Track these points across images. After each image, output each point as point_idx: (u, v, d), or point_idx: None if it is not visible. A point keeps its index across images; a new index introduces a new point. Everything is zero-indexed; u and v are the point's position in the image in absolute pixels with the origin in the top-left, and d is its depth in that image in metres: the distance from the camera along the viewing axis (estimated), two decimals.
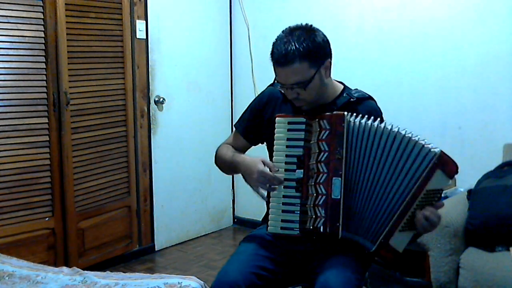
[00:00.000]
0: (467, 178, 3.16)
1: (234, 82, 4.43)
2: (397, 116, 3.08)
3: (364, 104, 1.93)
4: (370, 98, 1.97)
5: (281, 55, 1.76)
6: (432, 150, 1.71)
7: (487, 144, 3.22)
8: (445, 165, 1.72)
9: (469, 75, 3.28)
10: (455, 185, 3.29)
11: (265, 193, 1.84)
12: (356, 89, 1.98)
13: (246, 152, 2.10)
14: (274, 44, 1.81)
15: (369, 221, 1.76)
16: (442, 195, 3.11)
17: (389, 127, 1.75)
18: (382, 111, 1.99)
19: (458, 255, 2.55)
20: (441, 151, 1.72)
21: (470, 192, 2.78)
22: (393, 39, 3.57)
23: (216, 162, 2.10)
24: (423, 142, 1.73)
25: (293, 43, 1.75)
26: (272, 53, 1.80)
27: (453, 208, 2.70)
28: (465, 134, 3.32)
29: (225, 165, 2.04)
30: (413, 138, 1.73)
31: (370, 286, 2.08)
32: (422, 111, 3.47)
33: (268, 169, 1.79)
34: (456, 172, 1.74)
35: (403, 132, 1.73)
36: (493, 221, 2.53)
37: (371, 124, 1.75)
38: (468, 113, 3.30)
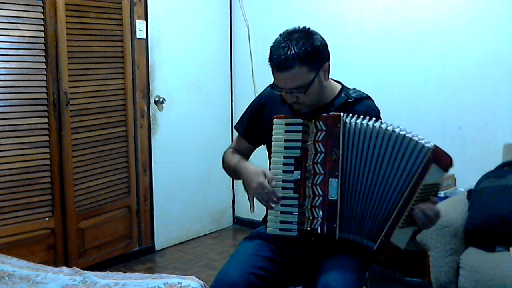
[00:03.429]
0: (467, 178, 3.17)
1: (234, 82, 4.43)
2: (397, 116, 3.07)
3: (362, 104, 1.92)
4: (368, 97, 1.96)
5: (280, 60, 1.75)
6: (425, 145, 1.72)
7: (487, 144, 3.22)
8: (439, 159, 1.73)
9: (469, 75, 3.28)
10: (455, 185, 3.29)
11: (253, 208, 1.84)
12: (354, 88, 1.97)
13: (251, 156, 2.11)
14: (272, 48, 1.80)
15: (370, 221, 1.76)
16: (442, 195, 3.13)
17: (385, 126, 1.75)
18: (380, 110, 1.98)
19: (458, 255, 2.55)
20: (435, 145, 1.73)
21: (470, 192, 2.78)
22: (393, 39, 3.57)
23: (223, 167, 2.11)
24: (416, 139, 1.73)
25: (292, 48, 1.74)
26: (271, 58, 1.79)
27: (453, 208, 2.70)
28: (465, 134, 3.32)
29: (230, 171, 2.05)
30: (407, 135, 1.74)
31: (370, 286, 2.08)
32: (422, 111, 3.46)
33: (267, 183, 1.78)
34: (451, 165, 1.75)
35: (397, 130, 1.74)
36: (493, 221, 2.53)
37: (367, 124, 1.75)
38: (468, 113, 3.30)
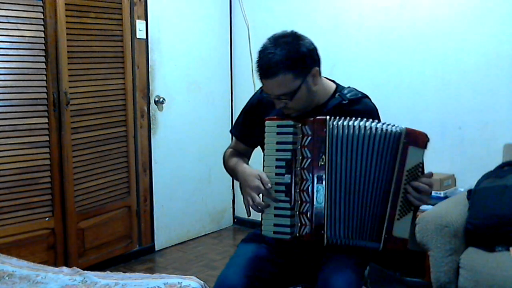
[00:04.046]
0: (467, 178, 3.17)
1: (234, 82, 4.43)
2: (397, 116, 3.07)
3: (359, 103, 1.89)
4: (364, 96, 1.92)
5: (264, 67, 1.73)
6: (396, 131, 1.70)
7: (487, 144, 3.22)
8: (415, 139, 1.71)
9: (469, 75, 3.28)
10: (455, 185, 3.29)
11: (250, 212, 1.85)
12: (349, 87, 1.93)
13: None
14: (259, 53, 1.76)
15: (368, 223, 1.74)
16: (442, 195, 3.14)
17: (369, 125, 1.71)
18: (379, 109, 1.95)
19: (458, 255, 2.55)
20: (406, 128, 1.70)
21: (470, 192, 2.78)
22: (393, 39, 3.57)
23: (224, 166, 2.10)
24: (387, 127, 1.70)
25: (276, 54, 1.70)
26: (257, 64, 1.76)
27: (453, 208, 2.70)
28: (465, 134, 3.32)
29: (229, 171, 2.05)
30: (379, 127, 1.70)
31: (370, 286, 2.08)
32: (422, 111, 3.46)
33: (263, 186, 1.76)
34: (428, 140, 1.72)
35: (379, 126, 1.71)
36: (493, 221, 2.53)
37: (353, 125, 1.71)
38: (468, 113, 3.30)
